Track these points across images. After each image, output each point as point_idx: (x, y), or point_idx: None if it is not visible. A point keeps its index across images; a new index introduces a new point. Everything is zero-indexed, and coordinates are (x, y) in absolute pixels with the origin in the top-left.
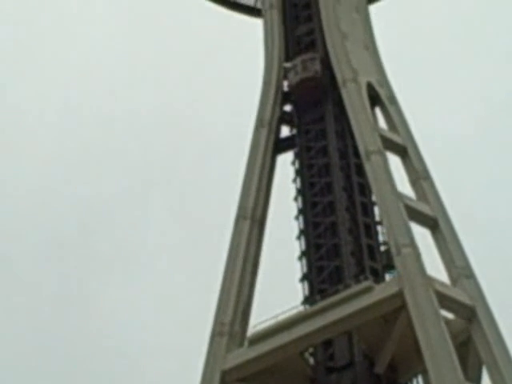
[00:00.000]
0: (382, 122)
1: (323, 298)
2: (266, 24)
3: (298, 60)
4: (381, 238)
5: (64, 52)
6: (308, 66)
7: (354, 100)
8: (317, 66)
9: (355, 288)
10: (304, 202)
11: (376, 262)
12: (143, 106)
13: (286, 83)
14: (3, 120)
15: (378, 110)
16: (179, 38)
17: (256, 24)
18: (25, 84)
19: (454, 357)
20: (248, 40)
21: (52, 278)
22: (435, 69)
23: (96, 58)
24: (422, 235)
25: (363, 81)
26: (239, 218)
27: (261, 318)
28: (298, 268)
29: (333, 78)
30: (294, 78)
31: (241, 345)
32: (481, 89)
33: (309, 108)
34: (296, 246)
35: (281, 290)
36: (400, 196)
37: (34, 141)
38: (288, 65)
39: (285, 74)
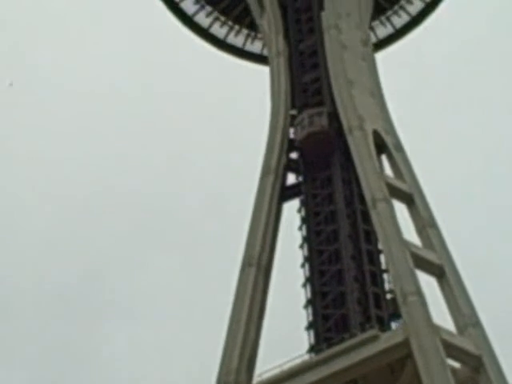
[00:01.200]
0: (388, 170)
1: (329, 346)
2: (272, 71)
3: (304, 114)
4: (387, 286)
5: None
6: (315, 121)
7: (360, 147)
8: (324, 121)
9: (361, 337)
10: (310, 249)
11: (382, 310)
12: (145, 155)
13: (292, 131)
14: (5, 172)
15: (384, 158)
16: (183, 84)
17: (263, 71)
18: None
19: None
20: (255, 87)
21: (52, 329)
22: (441, 115)
23: (90, 111)
24: (428, 283)
25: (369, 128)
26: (245, 265)
27: (266, 366)
28: (303, 316)
29: (340, 127)
30: (301, 132)
31: None
32: (484, 135)
33: (315, 157)
34: (302, 294)
35: (286, 339)
36: (406, 244)
37: (35, 195)
38: (294, 112)
39: (291, 121)
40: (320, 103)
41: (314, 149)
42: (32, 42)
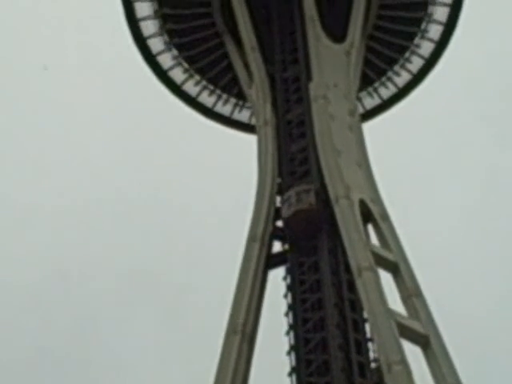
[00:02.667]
0: (374, 239)
1: None
2: (259, 140)
3: (292, 191)
4: (371, 355)
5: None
6: (302, 198)
7: (346, 217)
8: (311, 199)
9: None
10: (295, 317)
11: (366, 379)
12: (133, 211)
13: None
14: None
15: (370, 227)
16: (169, 151)
17: (250, 140)
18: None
19: None
20: (241, 155)
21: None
22: (428, 184)
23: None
24: (413, 353)
25: (356, 198)
26: (230, 332)
27: None
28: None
29: (327, 199)
30: (289, 209)
31: None
32: (470, 205)
33: (302, 232)
34: (286, 362)
35: None
36: (391, 313)
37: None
38: (279, 180)
39: (278, 189)
40: (307, 173)
41: (301, 224)
42: None
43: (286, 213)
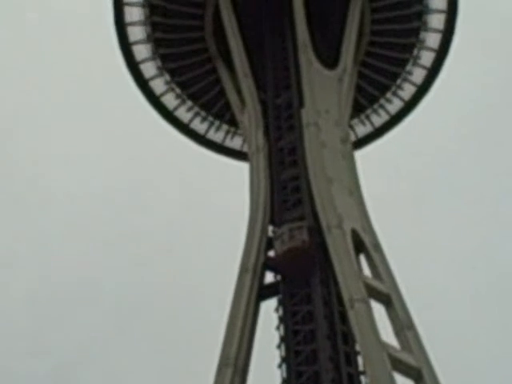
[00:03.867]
0: (366, 270)
1: None
2: (251, 168)
3: (284, 228)
4: None
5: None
6: (295, 236)
7: (338, 247)
8: (304, 236)
9: None
10: (287, 349)
11: None
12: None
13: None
14: None
15: (362, 257)
16: (161, 177)
17: (242, 167)
18: None
19: None
20: (233, 183)
21: None
22: (420, 213)
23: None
24: None
25: (348, 227)
26: (222, 365)
27: None
28: None
29: (319, 228)
30: (281, 247)
31: None
32: (462, 235)
33: (295, 268)
34: None
35: None
36: (384, 346)
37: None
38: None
39: (270, 219)
40: (299, 201)
41: (294, 261)
42: None
43: (278, 250)
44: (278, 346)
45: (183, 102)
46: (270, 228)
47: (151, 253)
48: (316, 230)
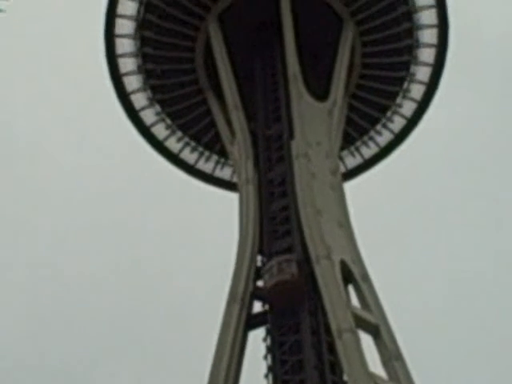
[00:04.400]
0: (355, 300)
1: None
2: (241, 198)
3: (273, 261)
4: None
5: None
6: (284, 269)
7: (327, 277)
8: (293, 269)
9: None
10: (275, 379)
11: None
12: (115, 273)
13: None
14: None
15: (351, 288)
16: (149, 208)
17: (232, 198)
18: None
19: None
20: (223, 214)
21: None
22: (409, 244)
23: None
24: None
25: (337, 258)
26: None
27: None
28: None
29: (308, 259)
30: (270, 280)
31: None
32: (451, 266)
33: (284, 301)
34: None
35: None
36: (371, 376)
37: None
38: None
39: (259, 249)
40: (288, 232)
41: (283, 294)
42: None
43: (268, 282)
44: (266, 376)
45: (173, 132)
46: (259, 258)
47: (139, 280)
48: (305, 261)
